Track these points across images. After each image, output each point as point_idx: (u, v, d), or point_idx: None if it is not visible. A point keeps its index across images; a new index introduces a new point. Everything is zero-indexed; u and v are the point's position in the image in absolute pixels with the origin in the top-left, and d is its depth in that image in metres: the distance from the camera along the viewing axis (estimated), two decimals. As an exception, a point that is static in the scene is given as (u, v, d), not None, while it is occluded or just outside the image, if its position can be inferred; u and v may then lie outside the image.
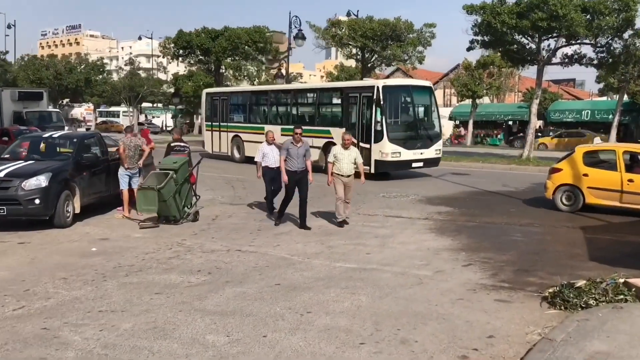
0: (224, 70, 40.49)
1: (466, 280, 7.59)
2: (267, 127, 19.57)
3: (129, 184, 12.34)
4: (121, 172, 12.33)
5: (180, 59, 36.63)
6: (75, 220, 11.51)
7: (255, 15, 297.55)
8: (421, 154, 18.89)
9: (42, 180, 10.66)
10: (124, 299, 6.73)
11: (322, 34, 32.18)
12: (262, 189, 12.87)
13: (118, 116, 64.07)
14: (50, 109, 32.31)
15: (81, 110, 65.20)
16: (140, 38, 75.22)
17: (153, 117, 71.52)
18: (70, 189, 11.36)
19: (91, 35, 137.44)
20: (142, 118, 65.87)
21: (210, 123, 26.24)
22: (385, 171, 18.81)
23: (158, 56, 58.76)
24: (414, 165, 18.97)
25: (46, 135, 13.06)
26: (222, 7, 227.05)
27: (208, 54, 34.91)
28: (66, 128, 28.17)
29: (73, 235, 10.50)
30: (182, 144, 12.91)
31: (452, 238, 10.27)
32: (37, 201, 10.52)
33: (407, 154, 18.47)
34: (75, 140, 12.44)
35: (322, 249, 9.43)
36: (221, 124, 25.42)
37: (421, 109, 19.85)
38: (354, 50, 33.09)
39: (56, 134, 13.13)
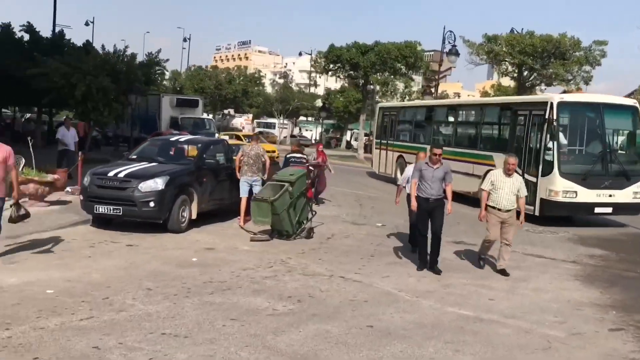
0: (372, 86, 40.07)
1: (610, 350, 5.89)
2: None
3: (249, 193, 11.94)
4: (242, 179, 11.99)
5: (329, 73, 36.81)
6: (191, 227, 11.31)
7: (409, 32, 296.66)
8: (610, 196, 14.02)
9: (158, 183, 10.56)
10: (195, 321, 6.05)
11: (476, 49, 30.33)
12: (392, 209, 11.77)
13: (274, 127, 66.62)
14: (204, 116, 34.00)
15: (241, 120, 68.86)
16: (300, 54, 77.90)
17: (306, 129, 73.45)
18: (188, 194, 11.17)
19: (259, 51, 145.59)
20: (296, 130, 67.85)
21: (379, 141, 24.52)
22: (554, 214, 14.24)
23: (312, 72, 60.26)
24: (597, 210, 14.27)
25: (173, 139, 13.16)
26: (387, 24, 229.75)
27: (357, 68, 34.66)
28: (216, 135, 29.28)
29: (182, 242, 10.23)
30: (298, 155, 12.30)
31: (602, 290, 8.39)
32: (151, 204, 10.42)
33: (587, 195, 13.80)
34: (199, 145, 12.33)
35: (436, 287, 8.12)
36: (388, 142, 23.42)
37: (616, 135, 15.18)
38: (510, 68, 30.75)
39: (183, 138, 13.20)
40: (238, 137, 32.17)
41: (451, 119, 20.21)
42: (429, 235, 8.91)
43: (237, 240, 10.68)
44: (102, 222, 11.11)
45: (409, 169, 10.20)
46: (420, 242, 9.16)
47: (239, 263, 8.85)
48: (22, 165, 13.37)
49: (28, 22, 29.52)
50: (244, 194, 11.98)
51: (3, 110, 43.64)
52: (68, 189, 13.97)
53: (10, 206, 7.98)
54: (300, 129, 72.95)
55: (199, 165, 11.77)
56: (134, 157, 12.12)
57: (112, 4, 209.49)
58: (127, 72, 23.33)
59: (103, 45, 25.46)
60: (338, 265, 9.01)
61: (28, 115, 43.60)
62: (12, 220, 8.13)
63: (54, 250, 8.98)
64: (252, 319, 6.23)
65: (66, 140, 17.11)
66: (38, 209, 12.03)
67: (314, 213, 11.62)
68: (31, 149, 12.73)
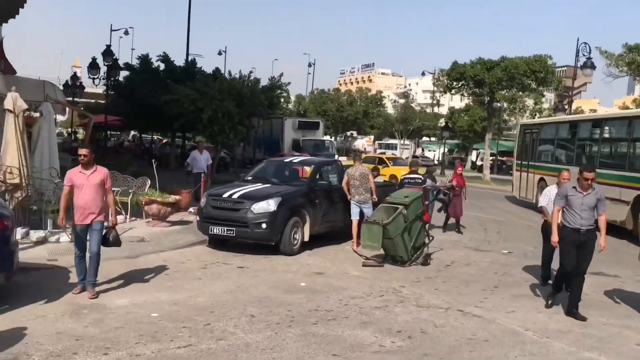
0: (498, 103, 38.20)
1: None
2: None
3: (361, 215, 11.47)
4: (352, 201, 11.57)
5: (452, 91, 35.62)
6: (303, 249, 11.04)
7: (538, 47, 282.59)
8: None
9: (271, 205, 10.41)
10: (294, 356, 5.62)
11: (615, 60, 27.75)
12: (520, 234, 10.72)
13: (395, 148, 65.98)
14: (325, 138, 34.29)
15: (362, 142, 68.95)
16: (423, 74, 76.80)
17: (428, 150, 71.97)
18: (300, 216, 10.93)
19: (382, 73, 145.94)
20: (418, 151, 66.69)
21: (519, 162, 22.53)
22: None
23: (435, 91, 58.96)
24: None
25: (287, 160, 13.06)
26: (513, 40, 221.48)
27: (482, 85, 33.20)
28: (336, 157, 29.26)
29: (293, 265, 9.95)
30: (413, 175, 11.61)
31: None
32: (263, 225, 10.28)
33: None
34: (312, 166, 12.09)
35: (571, 325, 7.07)
36: (529, 163, 21.44)
37: None
38: (657, 79, 27.73)
39: (297, 159, 13.06)
40: (381, 161, 30.91)
41: (588, 135, 18.03)
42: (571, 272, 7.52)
43: (349, 264, 10.21)
44: (217, 243, 11.17)
45: (550, 190, 8.95)
46: (559, 279, 7.97)
47: (348, 290, 8.37)
48: (147, 186, 13.98)
49: (164, 53, 31.65)
50: (355, 216, 11.54)
51: (143, 135, 47.18)
52: (191, 209, 14.35)
53: (106, 229, 7.61)
54: (422, 150, 71.61)
55: (312, 186, 11.51)
56: (250, 178, 12.14)
57: (244, 34, 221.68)
58: (250, 96, 23.99)
59: (229, 72, 26.51)
60: (456, 297, 8.22)
61: (164, 139, 46.67)
62: (107, 245, 7.67)
63: (167, 271, 9.06)
64: (356, 356, 5.69)
65: (198, 164, 17.11)
66: (159, 229, 12.42)
67: (431, 238, 10.87)
68: (155, 171, 13.23)
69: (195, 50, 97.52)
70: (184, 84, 23.60)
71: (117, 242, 7.75)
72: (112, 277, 8.38)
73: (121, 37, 69.73)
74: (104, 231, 7.52)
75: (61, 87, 38.81)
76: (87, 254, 7.48)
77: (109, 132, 50.43)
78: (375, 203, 11.39)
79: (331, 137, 49.82)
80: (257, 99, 24.29)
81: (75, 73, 39.64)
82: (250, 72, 25.54)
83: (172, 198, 12.95)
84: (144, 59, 32.17)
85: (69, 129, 56.76)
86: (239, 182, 12.04)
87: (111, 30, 42.82)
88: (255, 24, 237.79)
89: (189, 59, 32.41)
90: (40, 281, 7.97)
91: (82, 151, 7.43)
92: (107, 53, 27.08)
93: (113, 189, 13.58)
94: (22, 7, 25.41)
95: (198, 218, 11.08)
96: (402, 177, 11.99)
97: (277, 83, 26.46)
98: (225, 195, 10.77)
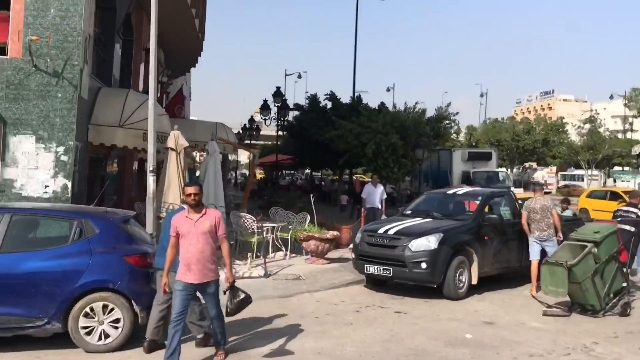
0: None
1: None
2: None
3: (541, 255, 9.86)
4: (531, 238, 10.01)
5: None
6: (471, 293, 9.73)
7: None
8: None
9: (431, 242, 9.33)
10: None
11: None
12: None
13: (582, 180, 60.16)
14: (498, 169, 32.02)
15: (542, 173, 63.96)
16: (611, 97, 69.75)
17: (621, 180, 64.53)
18: (466, 255, 9.68)
19: (564, 100, 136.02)
20: (609, 182, 60.09)
21: None
22: None
23: (628, 115, 52.94)
24: None
25: (451, 191, 11.84)
26: None
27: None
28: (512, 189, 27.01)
29: (458, 312, 8.71)
30: (630, 209, 9.73)
31: None
32: (423, 265, 9.22)
33: None
34: (480, 198, 10.76)
35: None
36: None
37: None
38: None
39: (462, 190, 11.78)
40: (614, 195, 23.93)
41: None
42: None
43: (526, 313, 8.68)
44: (375, 283, 10.33)
45: None
46: None
47: (525, 345, 6.95)
48: (307, 222, 13.64)
49: (331, 92, 32.13)
50: (534, 255, 9.95)
51: (314, 173, 48.48)
52: (351, 245, 13.71)
53: (225, 292, 6.02)
54: (614, 180, 64.42)
55: (480, 220, 10.19)
56: (409, 212, 11.17)
57: (413, 68, 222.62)
58: (414, 128, 23.11)
59: (394, 104, 25.91)
60: (671, 361, 6.39)
61: (336, 176, 47.54)
62: (231, 312, 6.04)
63: (318, 313, 8.38)
64: None
65: (371, 198, 15.50)
66: (317, 267, 11.92)
67: (630, 283, 8.91)
68: (313, 205, 12.85)
69: (363, 87, 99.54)
70: (349, 120, 23.49)
71: (240, 307, 6.05)
72: (260, 318, 7.90)
73: (296, 81, 73.80)
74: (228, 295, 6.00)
75: (239, 131, 41.79)
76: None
77: (284, 171, 52.98)
78: (560, 241, 9.73)
79: (506, 169, 46.76)
80: (421, 130, 23.33)
81: (252, 116, 42.01)
82: (416, 103, 24.74)
83: (330, 234, 12.41)
84: (312, 99, 32.98)
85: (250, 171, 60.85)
86: (397, 217, 11.14)
87: (285, 75, 45.13)
88: (424, 59, 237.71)
89: (355, 96, 32.57)
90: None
91: (190, 189, 5.80)
92: (277, 94, 28.13)
93: (274, 224, 13.68)
94: (197, 61, 27.73)
95: (353, 255, 10.34)
96: (616, 210, 10.14)
97: (445, 113, 25.27)
98: (381, 230, 9.91)
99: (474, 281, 9.79)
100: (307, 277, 10.85)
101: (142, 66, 16.39)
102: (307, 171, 56.44)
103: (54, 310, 6.01)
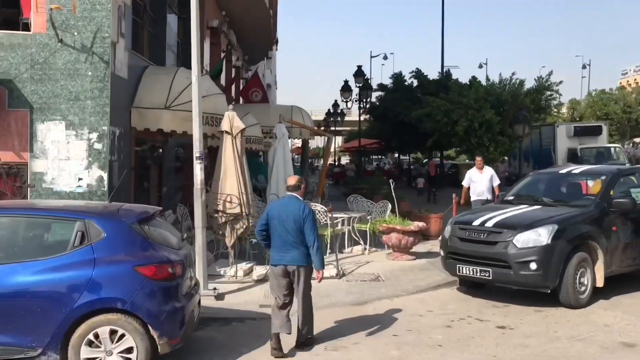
0: None
1: None
2: None
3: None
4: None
5: None
6: (595, 298, 7.66)
7: None
8: None
9: (542, 235, 7.33)
10: None
11: None
12: None
13: None
14: (609, 144, 28.42)
15: (657, 149, 57.88)
16: None
17: None
18: (588, 251, 7.61)
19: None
20: None
21: None
22: None
23: None
24: None
25: (564, 170, 9.60)
26: None
27: None
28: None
29: (581, 326, 6.71)
30: None
31: None
32: (532, 265, 7.25)
33: None
34: (603, 177, 8.52)
35: None
36: None
37: None
38: None
39: (578, 169, 9.49)
40: None
41: None
42: None
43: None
44: (471, 286, 8.45)
45: None
46: None
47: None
48: (387, 212, 11.90)
49: (417, 69, 29.94)
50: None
51: (402, 157, 46.27)
52: (440, 239, 11.85)
53: None
54: None
55: (604, 207, 8.01)
56: (511, 198, 9.12)
57: (506, 42, 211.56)
58: (512, 101, 20.57)
59: (487, 77, 23.45)
60: None
61: (426, 160, 45.13)
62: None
63: (397, 328, 6.68)
64: None
65: (477, 187, 11.55)
66: (400, 264, 10.20)
67: None
68: (392, 191, 11.10)
69: (454, 62, 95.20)
70: (438, 97, 21.38)
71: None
72: (322, 331, 6.35)
73: (383, 64, 71.45)
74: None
75: (325, 117, 40.31)
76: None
77: (371, 157, 51.09)
78: None
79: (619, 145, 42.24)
80: (520, 103, 20.74)
81: (335, 101, 40.39)
82: (513, 73, 22.14)
83: (415, 225, 10.60)
84: (397, 77, 30.92)
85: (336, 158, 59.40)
86: (495, 205, 9.15)
87: (370, 57, 43.17)
88: (519, 32, 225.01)
89: (444, 71, 30.13)
90: (244, 333, 6.30)
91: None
92: (358, 74, 26.34)
93: (349, 214, 11.99)
94: (273, 44, 26.48)
95: (442, 253, 8.49)
96: None
97: (546, 83, 22.44)
98: (477, 222, 7.98)
99: (599, 283, 7.71)
100: (387, 278, 9.15)
101: (207, 46, 15.20)
102: (395, 155, 54.26)
103: (49, 338, 4.72)
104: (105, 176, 7.68)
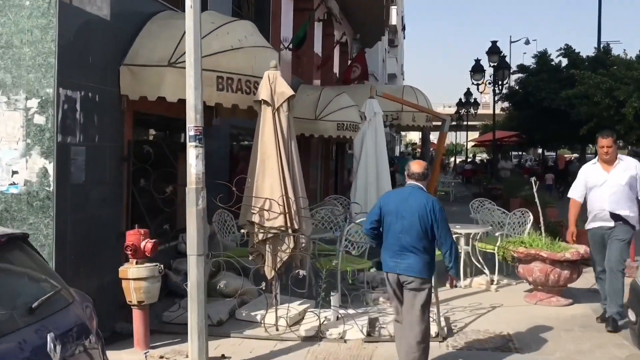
0: None
1: None
2: None
3: None
4: None
5: None
6: None
7: None
8: None
9: None
10: None
11: None
12: None
13: None
14: None
15: None
16: None
17: None
18: None
19: None
20: None
21: None
22: None
23: None
24: None
25: None
26: None
27: None
28: None
29: None
30: None
31: None
32: None
33: None
34: None
35: None
36: None
37: None
38: None
39: None
40: None
41: None
42: None
43: None
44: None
45: None
46: None
47: None
48: (528, 226, 8.00)
49: (566, 45, 24.78)
50: None
51: (547, 152, 40.27)
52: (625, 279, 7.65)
53: None
54: None
55: None
56: None
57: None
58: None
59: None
60: None
61: (572, 155, 38.83)
62: None
63: None
64: None
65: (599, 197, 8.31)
66: (544, 312, 6.33)
67: None
68: (535, 194, 7.18)
69: (614, 37, 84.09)
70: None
71: None
72: None
73: (525, 52, 64.64)
74: None
75: (457, 109, 35.77)
76: None
77: (511, 153, 45.22)
78: None
79: None
80: None
81: (468, 89, 35.60)
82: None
83: (572, 252, 6.63)
84: (541, 57, 25.88)
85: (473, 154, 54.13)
86: None
87: (510, 42, 38.18)
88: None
89: (601, 47, 24.60)
90: None
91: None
92: (493, 51, 21.93)
93: (470, 228, 8.20)
94: (383, 34, 23.03)
95: (633, 316, 4.56)
96: None
97: None
98: None
99: None
100: (524, 342, 5.41)
101: (290, 8, 12.14)
102: (539, 151, 47.79)
103: None
104: (50, 168, 4.77)
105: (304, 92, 11.99)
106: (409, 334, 4.46)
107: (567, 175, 22.79)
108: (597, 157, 6.09)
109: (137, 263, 5.10)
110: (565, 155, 34.24)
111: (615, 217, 5.73)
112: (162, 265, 5.22)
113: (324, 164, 15.69)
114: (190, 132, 4.71)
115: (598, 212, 5.88)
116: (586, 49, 56.87)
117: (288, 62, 11.61)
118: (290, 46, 11.59)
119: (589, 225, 6.04)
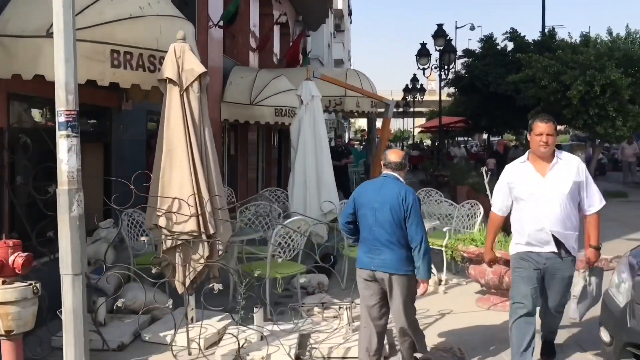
0: None
1: None
2: None
3: None
4: None
5: None
6: None
7: None
8: None
9: None
10: None
11: None
12: None
13: None
14: None
15: None
16: None
17: None
18: None
19: None
20: None
21: None
22: None
23: None
24: None
25: None
26: None
27: None
28: None
29: None
30: None
31: None
32: None
33: None
34: None
35: None
36: None
37: None
38: None
39: None
40: None
41: None
42: None
43: None
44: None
45: None
46: None
47: None
48: (479, 218, 7.30)
49: (511, 29, 24.49)
50: None
51: (492, 138, 40.41)
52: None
53: None
54: None
55: None
56: None
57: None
58: (647, 58, 15.20)
59: (609, 28, 17.96)
60: None
61: (515, 141, 39.09)
62: None
63: None
64: None
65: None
66: (500, 319, 5.61)
67: None
68: (487, 185, 6.47)
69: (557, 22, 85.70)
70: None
71: None
72: None
73: (470, 39, 64.89)
74: None
75: (403, 95, 35.34)
76: None
77: (457, 139, 45.20)
78: None
79: None
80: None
81: (414, 75, 35.16)
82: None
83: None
84: (487, 41, 25.52)
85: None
86: None
87: (455, 28, 37.84)
88: None
89: (546, 31, 24.46)
90: None
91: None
92: (439, 34, 21.41)
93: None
94: (327, 16, 22.22)
95: (605, 336, 3.85)
96: None
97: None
98: None
99: None
100: (477, 355, 4.65)
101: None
102: (484, 136, 48.07)
103: None
104: None
105: (237, 75, 11.02)
106: (400, 325, 4.24)
107: (506, 159, 22.76)
108: (527, 154, 4.30)
109: (4, 283, 4.05)
110: (512, 143, 34.37)
111: (558, 242, 4.14)
112: (38, 285, 4.18)
113: (266, 152, 14.75)
114: (60, 117, 3.69)
115: (532, 233, 4.18)
116: (531, 34, 57.63)
117: (219, 40, 10.55)
118: (221, 23, 10.51)
119: (518, 249, 4.32)
